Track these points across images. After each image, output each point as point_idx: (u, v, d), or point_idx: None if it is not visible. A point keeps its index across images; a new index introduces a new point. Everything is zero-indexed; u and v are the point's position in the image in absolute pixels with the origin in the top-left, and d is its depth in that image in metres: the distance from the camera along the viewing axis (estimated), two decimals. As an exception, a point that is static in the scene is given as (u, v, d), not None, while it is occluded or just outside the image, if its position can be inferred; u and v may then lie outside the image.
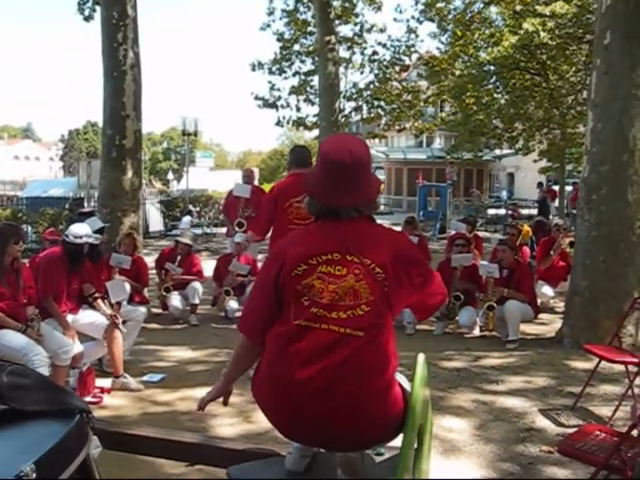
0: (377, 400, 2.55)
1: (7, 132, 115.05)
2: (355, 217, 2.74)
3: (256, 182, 12.37)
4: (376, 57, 24.49)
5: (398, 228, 8.11)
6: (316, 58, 23.53)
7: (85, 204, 18.97)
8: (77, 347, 5.70)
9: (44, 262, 6.14)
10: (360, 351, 2.53)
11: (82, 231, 6.10)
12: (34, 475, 1.09)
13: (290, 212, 5.76)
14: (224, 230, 14.10)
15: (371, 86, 24.86)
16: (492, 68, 23.81)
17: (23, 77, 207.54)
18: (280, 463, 3.05)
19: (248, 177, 10.57)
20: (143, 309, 7.39)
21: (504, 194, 40.83)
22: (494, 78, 24.71)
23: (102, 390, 5.87)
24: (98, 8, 15.65)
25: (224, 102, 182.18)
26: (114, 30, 11.52)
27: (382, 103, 25.07)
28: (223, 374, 3.06)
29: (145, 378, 6.26)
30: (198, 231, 18.57)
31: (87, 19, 16.78)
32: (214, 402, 5.52)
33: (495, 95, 25.77)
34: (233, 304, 9.02)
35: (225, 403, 3.15)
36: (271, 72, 25.11)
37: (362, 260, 2.62)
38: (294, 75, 25.13)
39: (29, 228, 16.10)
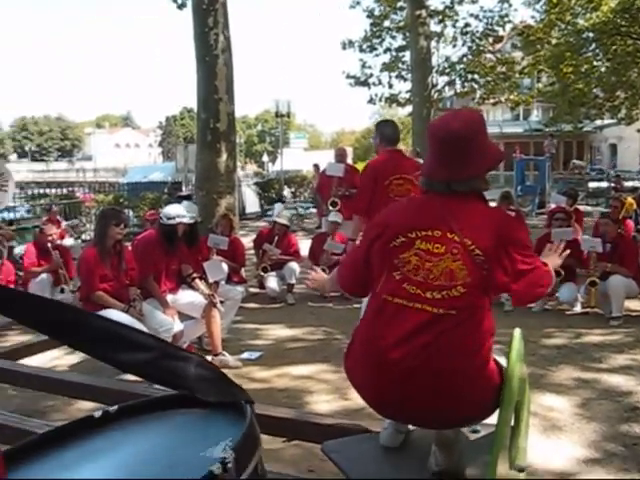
0: (470, 379, 2.50)
1: (108, 121, 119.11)
2: (462, 193, 2.67)
3: (349, 161, 12.36)
4: (468, 29, 24.03)
5: (493, 204, 7.93)
6: (407, 33, 23.26)
7: (183, 187, 19.45)
8: (177, 326, 5.86)
9: (142, 244, 6.33)
10: (453, 331, 2.49)
11: (174, 212, 6.24)
12: (233, 459, 1.16)
13: (391, 190, 5.69)
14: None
15: (464, 59, 24.43)
16: (591, 35, 22.86)
17: (122, 68, 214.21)
18: (375, 439, 3.06)
19: (341, 156, 10.52)
20: (241, 288, 7.51)
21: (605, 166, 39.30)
22: (593, 45, 23.71)
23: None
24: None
25: (317, 82, 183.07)
26: (205, 15, 11.72)
27: (476, 76, 24.62)
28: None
29: (243, 356, 6.37)
30: (292, 212, 18.72)
31: (180, 7, 17.07)
32: (311, 379, 5.63)
33: (595, 63, 24.73)
34: (329, 283, 9.03)
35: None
36: (362, 50, 24.99)
37: (463, 240, 2.56)
38: (385, 52, 24.94)
39: (130, 212, 16.61)
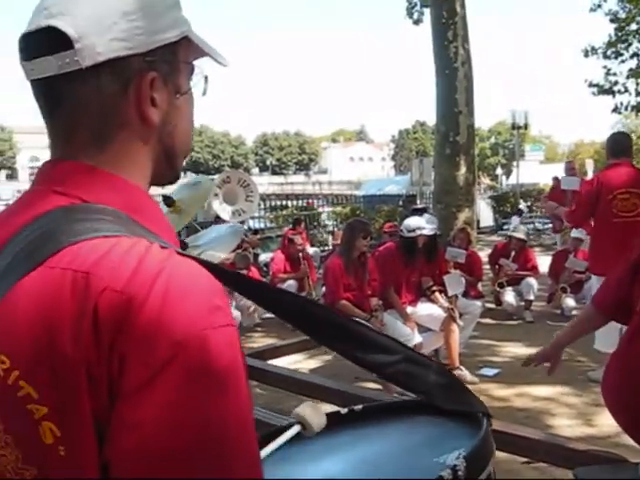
0: None
1: (343, 135, 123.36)
2: None
3: (590, 173, 11.91)
4: None
5: None
6: (659, 37, 21.74)
7: (417, 201, 19.59)
8: (417, 337, 5.92)
9: (382, 256, 6.47)
10: None
11: (415, 224, 6.30)
12: (464, 469, 1.19)
13: (614, 205, 5.51)
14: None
15: None
16: None
17: (357, 83, 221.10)
18: (633, 470, 2.87)
19: (572, 169, 10.28)
20: (479, 303, 7.43)
21: None
22: None
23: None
24: (426, 10, 16.11)
25: (553, 91, 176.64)
26: (444, 29, 11.76)
27: None
28: (556, 334, 3.02)
29: (481, 371, 6.29)
30: (529, 227, 18.17)
31: (416, 22, 17.26)
32: (553, 401, 5.43)
33: None
34: (570, 302, 8.67)
35: (550, 371, 3.07)
36: (606, 56, 23.68)
37: None
38: (632, 57, 23.44)
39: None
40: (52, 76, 0.86)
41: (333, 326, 1.14)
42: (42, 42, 0.86)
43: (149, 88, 0.90)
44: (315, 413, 1.41)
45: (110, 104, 0.89)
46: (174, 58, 0.94)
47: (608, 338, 6.03)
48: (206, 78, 1.02)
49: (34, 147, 71.16)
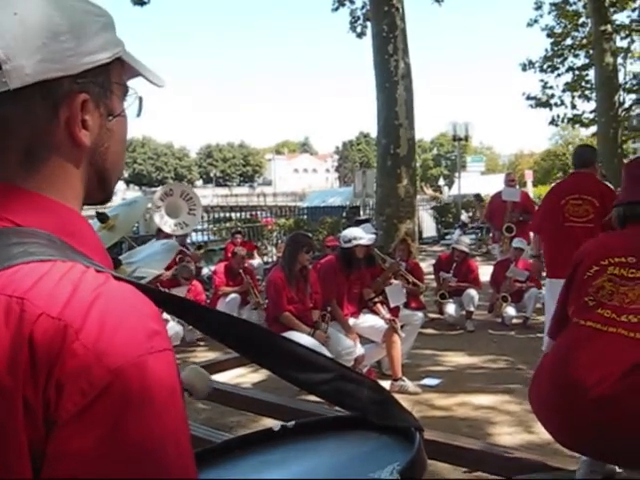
0: None
1: (287, 147, 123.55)
2: None
3: (529, 184, 12.17)
4: (659, 43, 22.69)
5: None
6: (590, 51, 22.35)
7: (361, 212, 19.70)
8: (359, 349, 5.94)
9: (324, 268, 6.48)
10: None
11: (351, 234, 6.33)
12: None
13: (566, 210, 5.62)
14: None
15: (655, 75, 23.07)
16: None
17: (301, 95, 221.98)
18: (569, 478, 2.92)
19: (512, 181, 10.52)
20: (420, 314, 7.49)
21: None
22: None
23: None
24: (369, 24, 16.29)
25: (493, 104, 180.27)
26: (384, 42, 11.91)
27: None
28: None
29: (423, 382, 6.34)
30: (472, 237, 18.44)
31: (359, 36, 17.47)
32: (494, 410, 5.50)
33: None
34: (510, 310, 8.83)
35: None
36: (542, 70, 24.28)
37: None
38: (567, 71, 24.09)
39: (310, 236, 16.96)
40: None
41: (265, 344, 1.14)
42: None
43: (80, 111, 0.88)
44: (200, 377, 1.40)
45: (39, 127, 0.86)
46: (106, 80, 0.92)
47: None
48: (140, 99, 1.00)
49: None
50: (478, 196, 20.73)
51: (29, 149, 0.87)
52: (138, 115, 1.02)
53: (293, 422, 1.62)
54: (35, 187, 0.87)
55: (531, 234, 7.36)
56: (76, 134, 0.88)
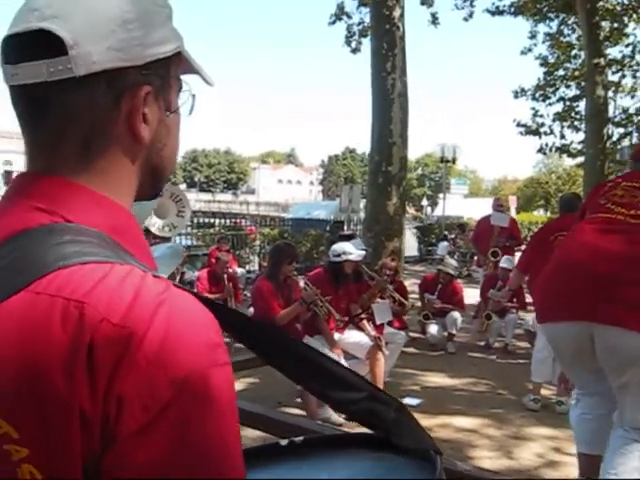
0: None
1: (272, 157, 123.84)
2: None
3: (512, 210, 12.30)
4: (649, 80, 22.94)
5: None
6: (582, 83, 22.57)
7: (345, 227, 19.70)
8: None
9: (312, 281, 6.44)
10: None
11: (341, 249, 6.32)
12: None
13: (556, 245, 5.67)
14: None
15: (643, 111, 23.30)
16: None
17: (289, 106, 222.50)
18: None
19: (500, 206, 10.59)
20: (403, 333, 7.47)
21: None
22: None
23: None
24: (364, 40, 16.36)
25: (481, 129, 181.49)
26: (383, 60, 11.92)
27: (656, 130, 23.38)
28: None
29: (404, 401, 6.30)
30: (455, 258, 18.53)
31: (354, 51, 17.51)
32: (475, 433, 5.50)
33: None
34: (495, 327, 8.85)
35: None
36: (534, 98, 24.47)
37: None
38: (558, 101, 24.27)
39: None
40: (38, 82, 0.79)
41: (303, 360, 1.10)
42: (31, 45, 0.79)
43: (142, 103, 0.85)
44: None
45: (101, 117, 0.83)
46: (167, 73, 0.89)
47: (543, 369, 6.25)
48: (194, 96, 0.97)
49: (7, 151, 69.80)
50: (462, 226, 20.90)
51: (88, 139, 0.83)
52: (190, 113, 0.99)
53: (302, 438, 1.58)
54: (89, 182, 0.84)
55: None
56: (136, 127, 0.85)
